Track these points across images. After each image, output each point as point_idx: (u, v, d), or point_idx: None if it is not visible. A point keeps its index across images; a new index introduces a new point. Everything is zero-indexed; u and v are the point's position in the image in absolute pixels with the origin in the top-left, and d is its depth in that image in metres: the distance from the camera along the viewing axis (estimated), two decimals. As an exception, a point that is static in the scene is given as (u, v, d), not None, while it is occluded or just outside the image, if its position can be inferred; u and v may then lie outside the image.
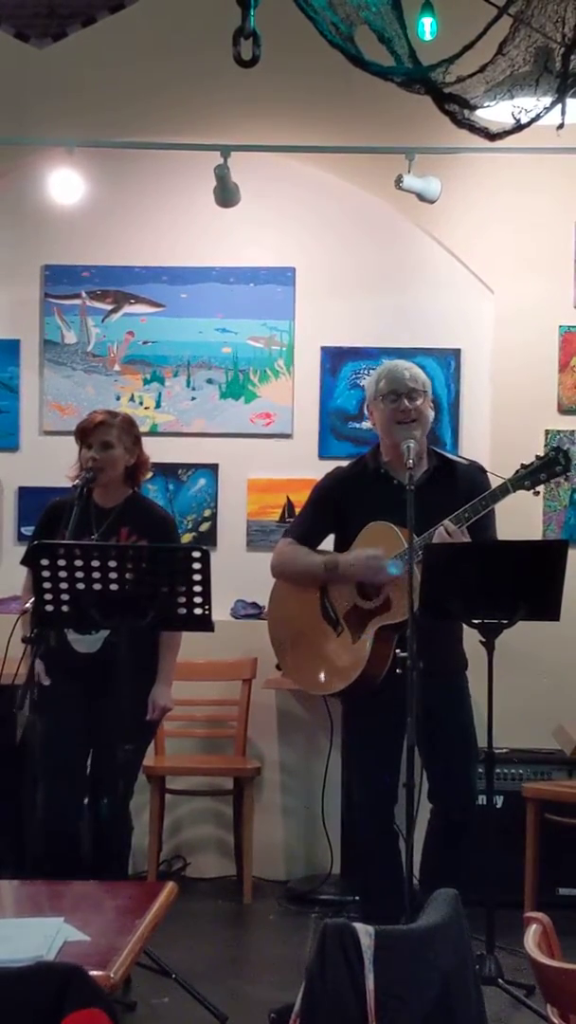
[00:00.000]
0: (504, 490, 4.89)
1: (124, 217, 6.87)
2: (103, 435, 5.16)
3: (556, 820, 5.86)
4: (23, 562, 5.19)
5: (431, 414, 5.12)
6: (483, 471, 5.10)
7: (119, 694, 4.70)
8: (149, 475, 5.48)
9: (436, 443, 5.18)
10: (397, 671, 4.72)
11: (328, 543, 5.22)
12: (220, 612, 5.72)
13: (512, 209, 6.63)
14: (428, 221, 6.63)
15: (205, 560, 4.63)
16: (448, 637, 4.98)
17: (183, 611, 4.67)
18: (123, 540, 5.11)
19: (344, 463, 5.31)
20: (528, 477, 4.88)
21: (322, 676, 5.06)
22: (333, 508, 5.11)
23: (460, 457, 5.31)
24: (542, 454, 4.96)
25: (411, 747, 4.58)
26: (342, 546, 5.09)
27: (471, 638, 5.00)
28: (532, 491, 4.90)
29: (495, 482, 4.98)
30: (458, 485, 4.98)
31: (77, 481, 5.10)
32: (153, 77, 6.62)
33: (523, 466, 4.91)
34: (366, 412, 5.24)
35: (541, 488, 4.94)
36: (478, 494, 4.91)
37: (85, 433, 5.18)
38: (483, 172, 6.56)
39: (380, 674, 4.87)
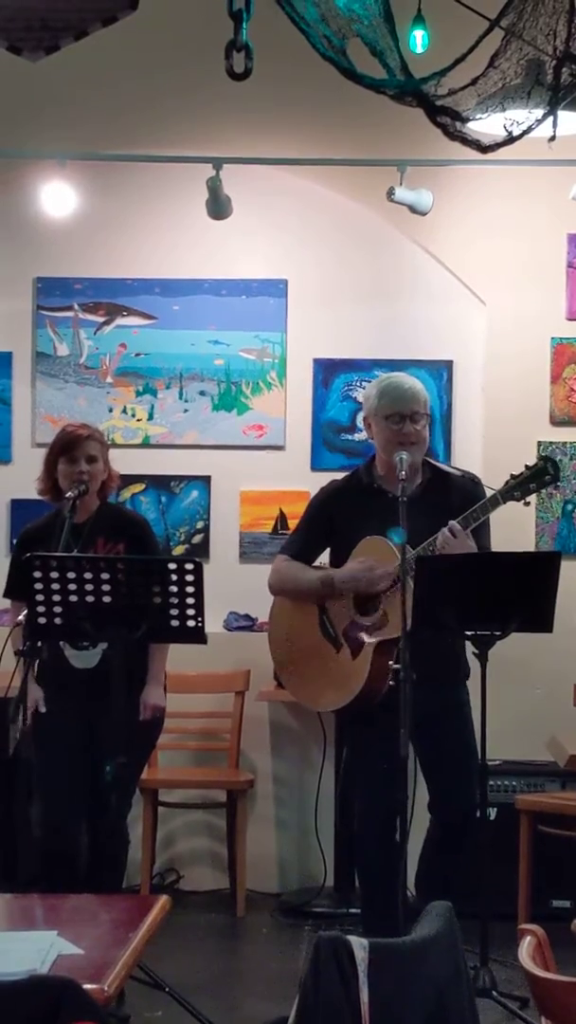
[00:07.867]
0: (494, 502, 4.83)
1: (116, 229, 6.88)
2: (90, 448, 5.16)
3: (549, 832, 5.85)
4: (6, 594, 5.26)
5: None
6: (477, 482, 5.03)
7: (116, 708, 4.70)
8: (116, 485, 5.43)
9: (428, 454, 5.14)
10: (390, 683, 4.71)
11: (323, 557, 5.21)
12: (213, 624, 5.71)
13: (504, 221, 6.64)
14: (420, 233, 6.64)
15: (198, 572, 4.63)
16: (450, 645, 4.94)
17: (176, 623, 4.66)
18: (101, 550, 5.11)
19: (337, 475, 5.28)
20: (518, 488, 4.82)
21: (324, 693, 5.03)
22: (327, 523, 5.08)
23: (454, 468, 5.27)
24: (531, 464, 4.90)
25: (404, 759, 4.56)
26: (337, 561, 5.05)
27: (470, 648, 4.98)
28: (522, 502, 4.85)
29: (488, 493, 4.95)
30: (451, 497, 4.92)
31: (71, 494, 5.07)
32: (145, 90, 6.63)
33: (512, 476, 4.85)
34: (361, 423, 5.19)
35: (532, 498, 4.86)
36: (471, 505, 4.84)
37: (71, 447, 5.14)
38: (475, 184, 6.57)
39: (381, 689, 4.82)
